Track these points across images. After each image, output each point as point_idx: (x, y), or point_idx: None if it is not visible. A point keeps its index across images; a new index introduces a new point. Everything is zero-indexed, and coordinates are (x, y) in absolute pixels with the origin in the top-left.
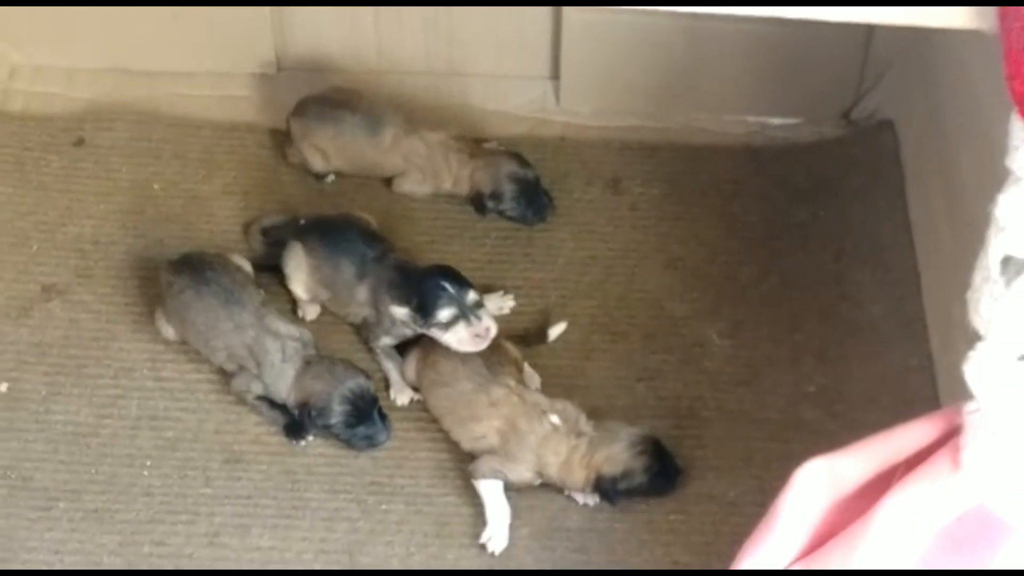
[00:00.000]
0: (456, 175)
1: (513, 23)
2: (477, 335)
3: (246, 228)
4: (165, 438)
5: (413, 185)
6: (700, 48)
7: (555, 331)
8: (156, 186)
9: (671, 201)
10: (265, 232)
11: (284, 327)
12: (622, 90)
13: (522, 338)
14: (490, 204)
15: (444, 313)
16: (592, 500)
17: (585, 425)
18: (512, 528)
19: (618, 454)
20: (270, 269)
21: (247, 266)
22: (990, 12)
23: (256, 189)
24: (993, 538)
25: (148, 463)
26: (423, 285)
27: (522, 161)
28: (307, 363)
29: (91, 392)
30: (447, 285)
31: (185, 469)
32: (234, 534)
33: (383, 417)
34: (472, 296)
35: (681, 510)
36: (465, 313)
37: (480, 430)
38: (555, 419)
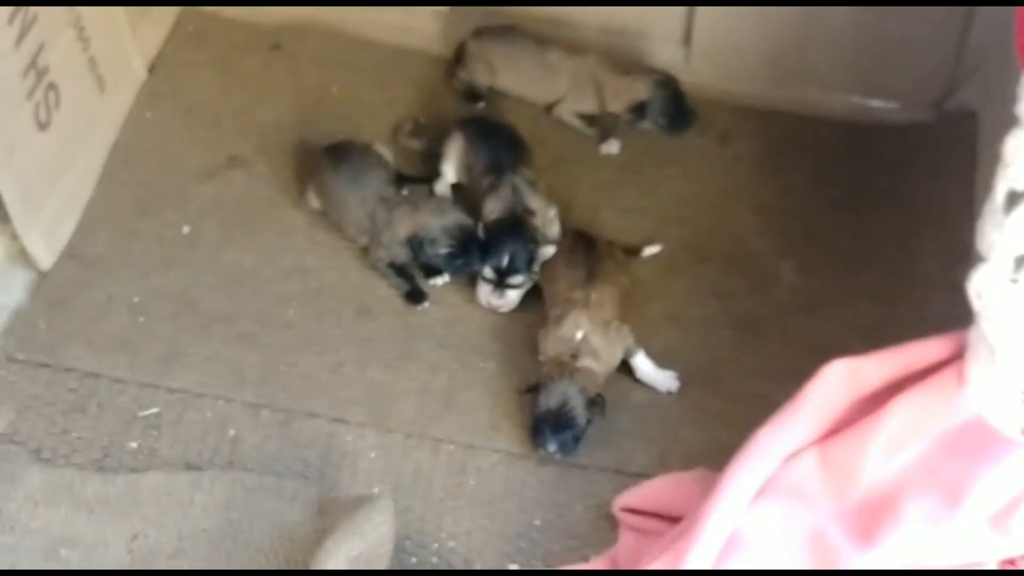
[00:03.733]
0: (616, 89)
1: None
2: (489, 301)
3: (396, 128)
4: (310, 287)
5: (576, 104)
6: (815, 30)
7: (649, 250)
8: (334, 89)
9: (770, 157)
10: (413, 130)
11: (391, 191)
12: (743, 59)
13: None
14: (648, 112)
15: (487, 269)
16: None
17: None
18: None
19: None
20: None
21: (387, 154)
22: None
23: (416, 102)
24: (992, 450)
25: (293, 304)
26: (495, 238)
27: (670, 75)
28: (412, 204)
29: (256, 243)
30: (507, 257)
31: (323, 313)
32: (355, 366)
33: (481, 250)
34: (517, 278)
35: (730, 402)
36: (497, 282)
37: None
38: (580, 335)
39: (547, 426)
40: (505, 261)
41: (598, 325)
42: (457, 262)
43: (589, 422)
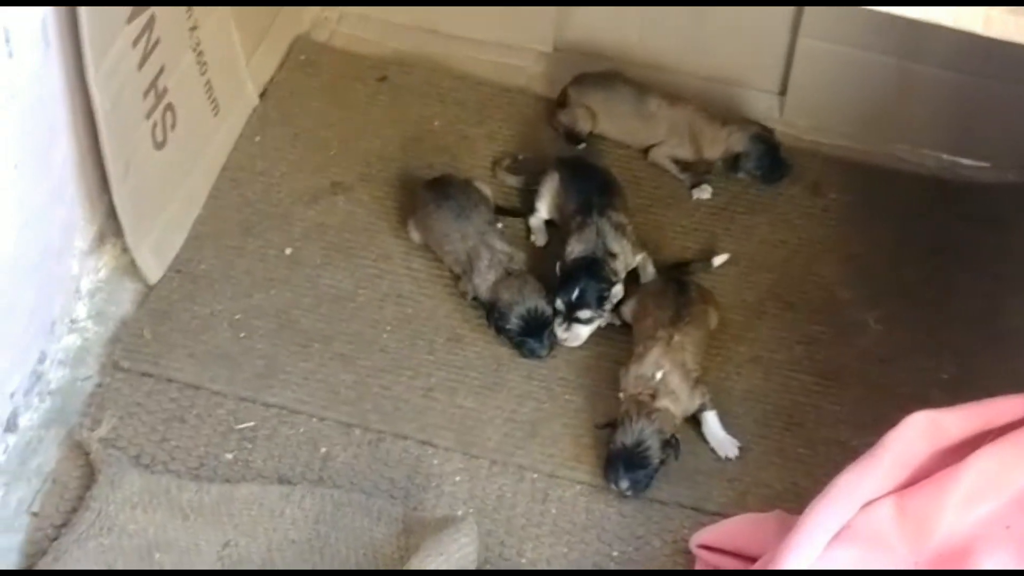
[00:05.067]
0: (712, 139)
1: (756, 43)
2: (558, 335)
3: (495, 163)
4: (405, 313)
5: (673, 150)
6: (910, 87)
7: (718, 260)
8: (436, 123)
9: (860, 210)
10: (511, 166)
11: (499, 243)
12: (837, 113)
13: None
14: (742, 163)
15: (558, 303)
16: None
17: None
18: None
19: None
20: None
21: (487, 190)
22: None
23: (515, 139)
24: None
25: (388, 328)
26: (572, 274)
27: (766, 128)
28: (507, 273)
29: (354, 267)
30: (576, 292)
31: (416, 338)
32: (444, 392)
33: (551, 336)
34: (585, 313)
35: (809, 447)
36: (566, 317)
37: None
38: (659, 375)
39: (621, 463)
40: (575, 295)
41: (678, 366)
42: (523, 340)
43: (662, 462)
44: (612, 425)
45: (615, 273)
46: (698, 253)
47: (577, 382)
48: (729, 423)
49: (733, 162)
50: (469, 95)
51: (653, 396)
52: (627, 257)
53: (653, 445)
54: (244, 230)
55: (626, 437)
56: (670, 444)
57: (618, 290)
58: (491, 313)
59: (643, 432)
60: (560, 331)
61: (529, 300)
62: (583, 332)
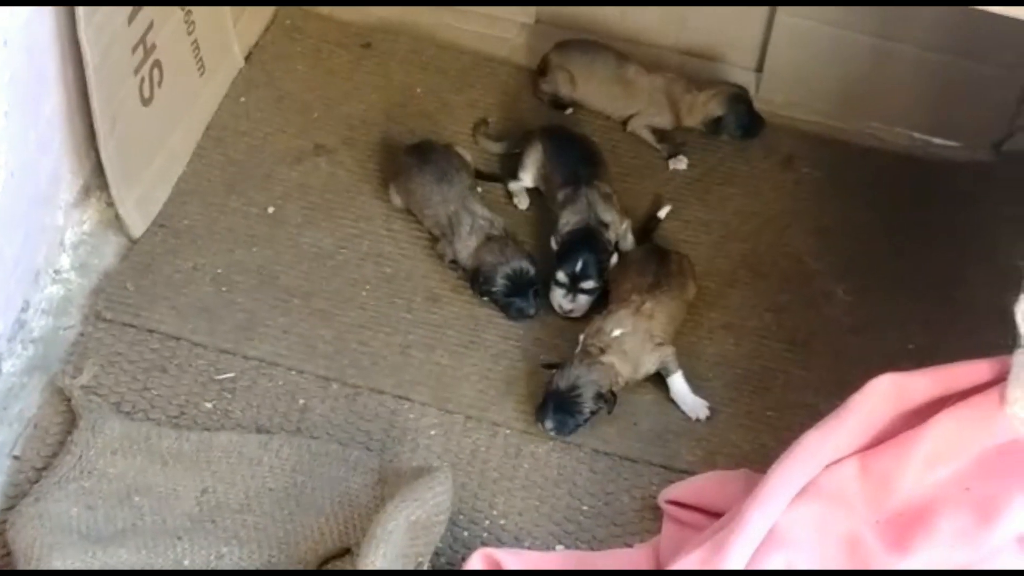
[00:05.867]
0: (691, 105)
1: (735, 21)
2: (561, 306)
3: (475, 128)
4: (384, 272)
5: (651, 119)
6: (884, 66)
7: (662, 212)
8: (419, 89)
9: (831, 184)
10: (490, 132)
11: (479, 208)
12: (811, 89)
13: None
14: (724, 126)
15: (560, 275)
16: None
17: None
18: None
19: None
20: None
21: (467, 156)
22: None
23: (496, 107)
24: None
25: (367, 287)
26: (570, 246)
27: (740, 87)
28: (487, 238)
29: (335, 227)
30: (580, 263)
31: (394, 297)
32: (421, 349)
33: (536, 295)
34: (588, 283)
35: (777, 410)
36: (570, 288)
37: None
38: (617, 332)
39: (552, 404)
40: (578, 267)
41: (640, 332)
42: (511, 302)
43: (593, 413)
44: (555, 366)
45: (609, 242)
46: (692, 252)
47: (551, 343)
48: (699, 386)
49: (714, 125)
50: (452, 63)
51: (603, 350)
52: (617, 226)
53: (586, 394)
54: (227, 188)
55: (562, 380)
56: (604, 398)
57: (614, 259)
58: (475, 278)
59: (579, 379)
60: (566, 303)
61: (513, 261)
62: (586, 302)
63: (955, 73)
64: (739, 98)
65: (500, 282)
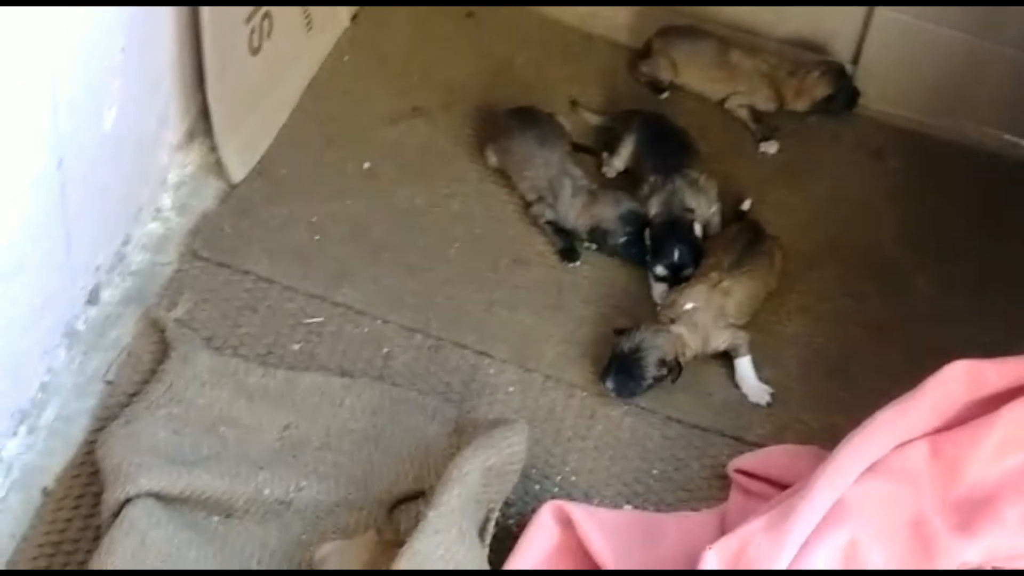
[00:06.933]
0: (798, 89)
1: (834, 12)
2: (663, 294)
3: (573, 101)
4: (473, 232)
5: (751, 99)
6: (978, 65)
7: (745, 205)
8: (518, 60)
9: (918, 179)
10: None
11: (577, 172)
12: (905, 84)
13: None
14: (834, 104)
15: (659, 269)
16: None
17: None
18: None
19: None
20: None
21: (567, 125)
22: None
23: (595, 84)
24: None
25: (456, 245)
26: (663, 240)
27: (840, 65)
28: (592, 194)
29: (429, 186)
30: (676, 254)
31: (482, 256)
32: (505, 307)
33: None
34: (688, 271)
35: (849, 392)
36: (671, 280)
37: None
38: (689, 306)
39: (615, 365)
40: (676, 257)
41: (713, 308)
42: (634, 249)
43: (657, 380)
44: (625, 332)
45: (693, 228)
46: (779, 232)
47: (632, 311)
48: (774, 363)
49: (824, 104)
50: (553, 38)
51: (673, 321)
52: (703, 211)
53: (648, 358)
54: (326, 142)
55: (627, 343)
56: (667, 365)
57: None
58: (599, 236)
59: (643, 343)
60: (661, 293)
61: (625, 203)
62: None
63: None
64: (842, 72)
65: (623, 230)
